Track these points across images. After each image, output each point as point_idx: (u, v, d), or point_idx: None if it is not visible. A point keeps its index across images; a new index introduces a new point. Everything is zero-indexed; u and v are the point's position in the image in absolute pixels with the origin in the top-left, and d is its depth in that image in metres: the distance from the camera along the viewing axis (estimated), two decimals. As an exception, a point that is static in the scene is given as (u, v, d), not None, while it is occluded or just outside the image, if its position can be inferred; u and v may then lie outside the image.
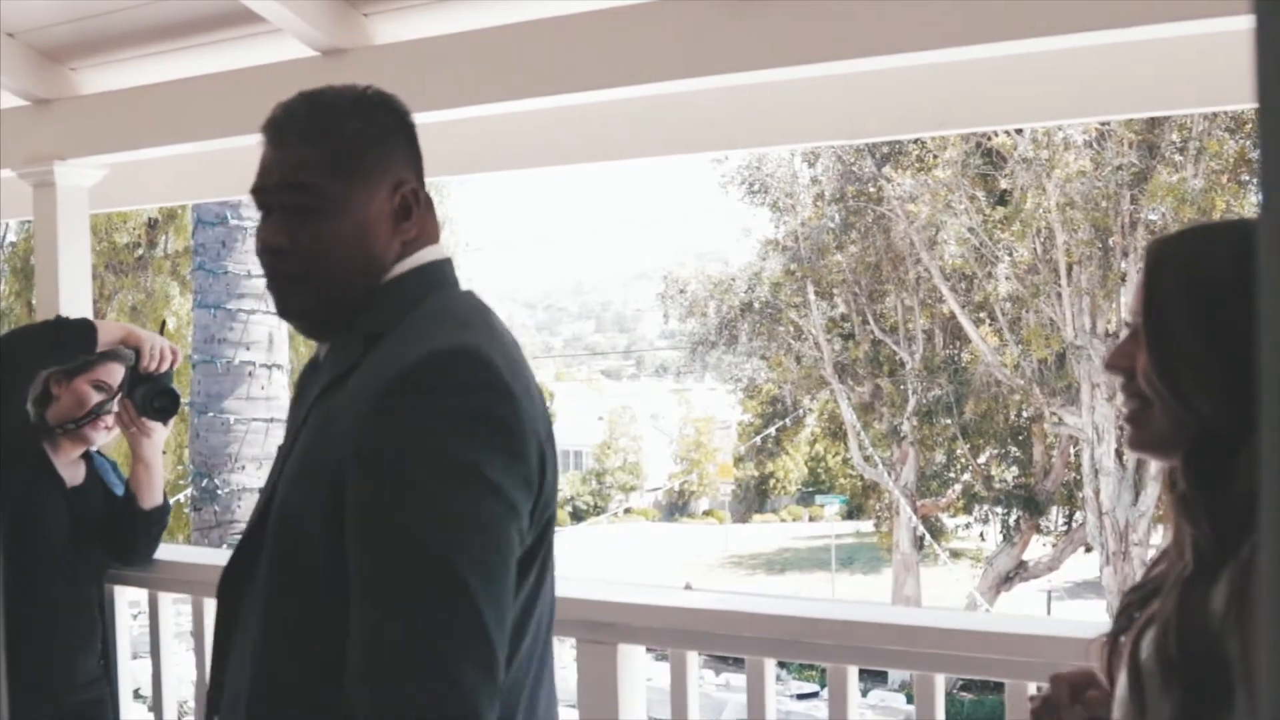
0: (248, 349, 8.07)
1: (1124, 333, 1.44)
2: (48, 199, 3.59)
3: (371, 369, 1.54)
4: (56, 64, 3.60)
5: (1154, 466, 16.77)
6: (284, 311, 1.68)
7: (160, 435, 3.11)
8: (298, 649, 1.56)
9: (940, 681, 2.24)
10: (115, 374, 3.10)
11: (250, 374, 8.27)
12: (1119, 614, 1.48)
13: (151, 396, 3.05)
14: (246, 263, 7.94)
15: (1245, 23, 0.46)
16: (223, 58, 3.33)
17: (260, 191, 1.64)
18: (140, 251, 17.54)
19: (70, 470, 3.12)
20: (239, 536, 1.73)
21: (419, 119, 1.79)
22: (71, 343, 3.01)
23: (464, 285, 1.71)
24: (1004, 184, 16.58)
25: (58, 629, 3.04)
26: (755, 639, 2.36)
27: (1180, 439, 1.34)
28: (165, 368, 3.08)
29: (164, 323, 3.34)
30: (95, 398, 3.07)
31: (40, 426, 3.07)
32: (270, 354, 8.38)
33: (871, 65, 2.54)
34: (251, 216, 7.98)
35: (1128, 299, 16.42)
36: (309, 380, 1.73)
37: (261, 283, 6.82)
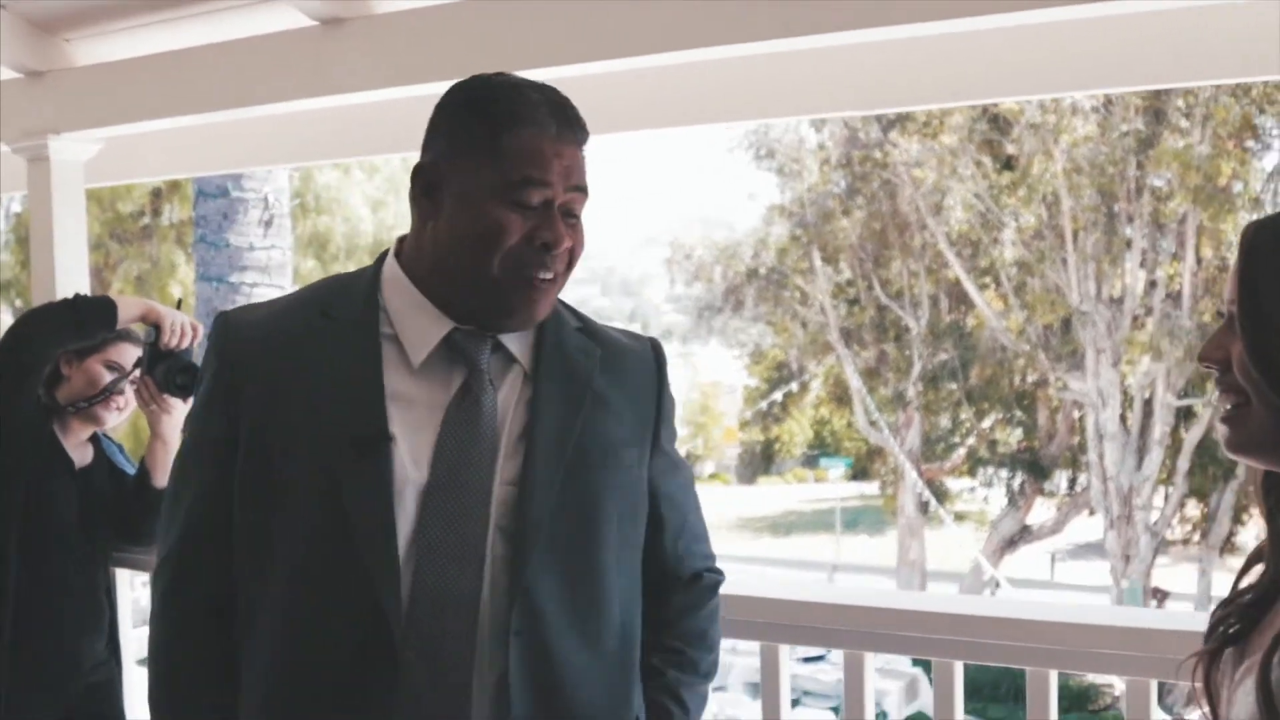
0: (251, 322, 8.00)
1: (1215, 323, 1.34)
2: (42, 173, 3.52)
3: (621, 354, 1.86)
4: (50, 35, 3.53)
5: (1159, 430, 16.76)
6: (543, 303, 1.72)
7: (180, 412, 3.07)
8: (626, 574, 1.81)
9: (959, 669, 2.20)
10: (127, 354, 3.06)
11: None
12: (1211, 630, 1.38)
13: (173, 373, 3.02)
14: (248, 235, 7.83)
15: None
16: (220, 28, 3.26)
17: (566, 191, 1.66)
18: (145, 220, 17.43)
19: (79, 452, 3.08)
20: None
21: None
22: (91, 321, 2.96)
23: None
24: (1010, 149, 16.49)
25: (66, 612, 3.00)
26: (769, 625, 2.33)
27: None
28: (186, 344, 3.05)
29: (179, 300, 3.36)
30: (107, 377, 3.03)
31: (50, 406, 3.02)
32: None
33: (877, 36, 2.48)
34: (254, 189, 7.88)
35: (1131, 276, 16.42)
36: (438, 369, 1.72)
37: (264, 255, 6.72)
